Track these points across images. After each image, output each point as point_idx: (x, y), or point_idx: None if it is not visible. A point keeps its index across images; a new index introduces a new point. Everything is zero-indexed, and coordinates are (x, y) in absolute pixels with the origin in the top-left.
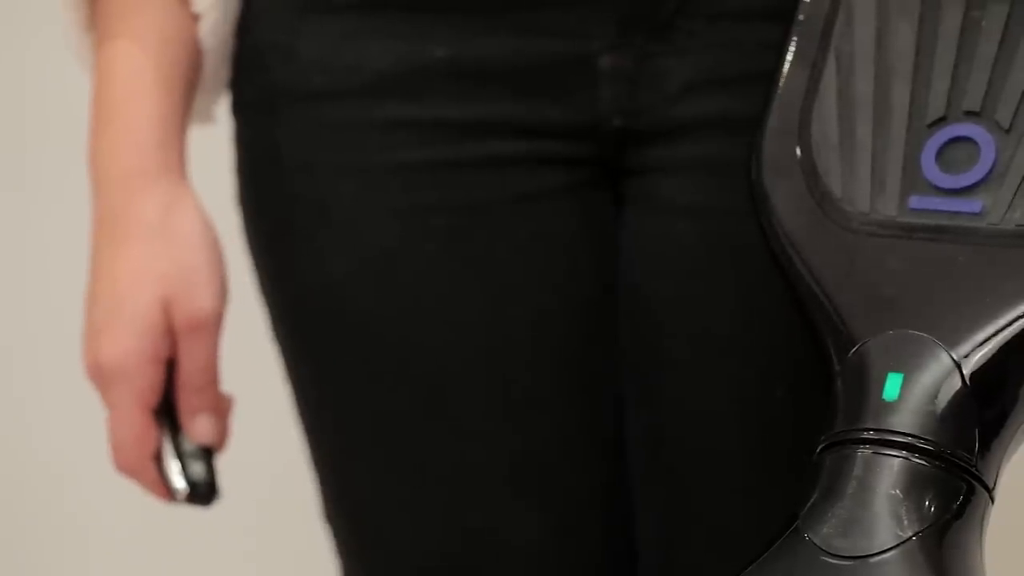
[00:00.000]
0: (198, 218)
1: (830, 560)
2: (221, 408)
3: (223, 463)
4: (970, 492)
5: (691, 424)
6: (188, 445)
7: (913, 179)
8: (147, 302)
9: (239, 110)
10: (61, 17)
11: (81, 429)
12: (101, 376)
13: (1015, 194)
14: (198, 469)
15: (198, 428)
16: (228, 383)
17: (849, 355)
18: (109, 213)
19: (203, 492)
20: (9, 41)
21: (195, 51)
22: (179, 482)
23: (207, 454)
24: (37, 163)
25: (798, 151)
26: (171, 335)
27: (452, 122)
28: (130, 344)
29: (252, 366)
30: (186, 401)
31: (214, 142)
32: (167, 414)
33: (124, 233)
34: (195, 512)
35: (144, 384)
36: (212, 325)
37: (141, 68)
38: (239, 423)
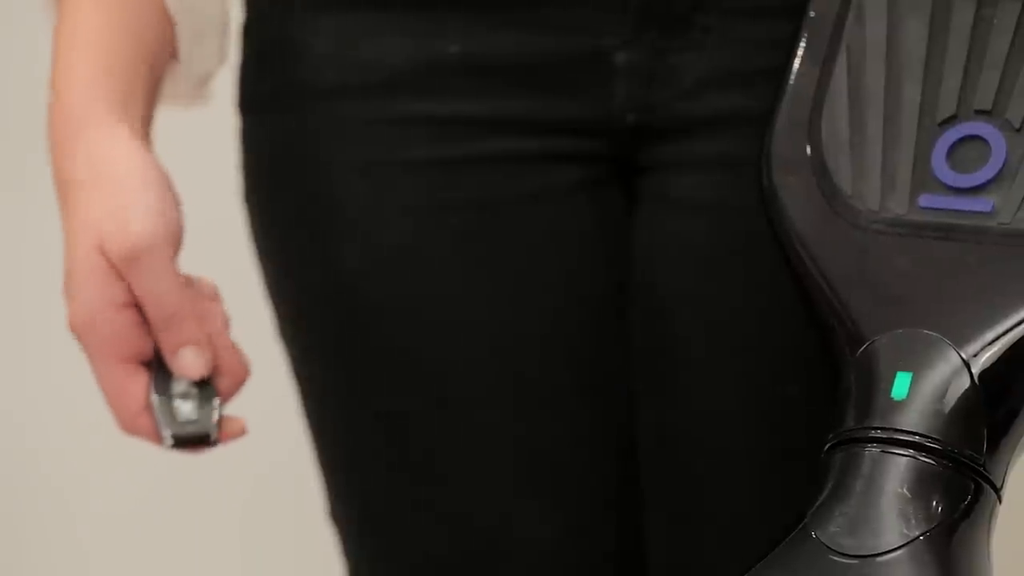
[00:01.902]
0: (129, 159)
1: (837, 559)
2: (221, 345)
3: (228, 462)
4: (978, 492)
5: (702, 422)
6: (179, 387)
7: (923, 177)
8: (85, 252)
9: (248, 108)
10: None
11: (81, 429)
12: (80, 342)
13: None
14: (186, 409)
15: (180, 363)
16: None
17: (858, 353)
18: (58, 183)
19: (191, 433)
20: (10, 41)
21: (159, 14)
22: (163, 428)
23: (207, 396)
24: (36, 163)
25: (808, 148)
26: (118, 275)
27: (465, 118)
28: (82, 299)
29: (258, 364)
30: (162, 339)
31: (215, 142)
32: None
33: (64, 196)
34: (196, 511)
35: (108, 333)
36: (152, 251)
37: (85, 23)
38: (247, 418)
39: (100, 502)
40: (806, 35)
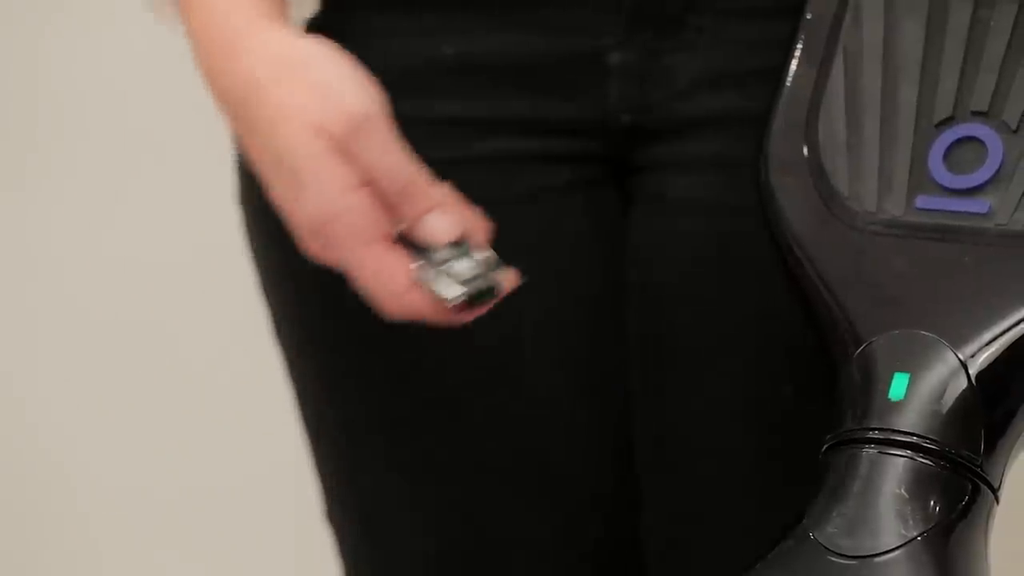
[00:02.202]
0: (309, 42)
1: (835, 559)
2: (453, 204)
3: (225, 463)
4: (975, 492)
5: (699, 422)
6: (439, 254)
7: (920, 179)
8: (302, 142)
9: None
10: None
11: (81, 429)
12: (320, 243)
13: (1022, 194)
14: (462, 268)
15: (431, 229)
16: (229, 385)
17: (855, 354)
18: (231, 97)
19: (479, 288)
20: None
21: None
22: (445, 293)
23: (469, 252)
24: (36, 162)
25: (805, 150)
26: (345, 155)
27: (461, 119)
28: (316, 191)
29: (253, 366)
30: (404, 211)
31: (214, 142)
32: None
33: (245, 100)
34: (195, 512)
35: (354, 217)
36: (375, 120)
37: None
38: (241, 424)
39: (100, 502)
40: (803, 36)
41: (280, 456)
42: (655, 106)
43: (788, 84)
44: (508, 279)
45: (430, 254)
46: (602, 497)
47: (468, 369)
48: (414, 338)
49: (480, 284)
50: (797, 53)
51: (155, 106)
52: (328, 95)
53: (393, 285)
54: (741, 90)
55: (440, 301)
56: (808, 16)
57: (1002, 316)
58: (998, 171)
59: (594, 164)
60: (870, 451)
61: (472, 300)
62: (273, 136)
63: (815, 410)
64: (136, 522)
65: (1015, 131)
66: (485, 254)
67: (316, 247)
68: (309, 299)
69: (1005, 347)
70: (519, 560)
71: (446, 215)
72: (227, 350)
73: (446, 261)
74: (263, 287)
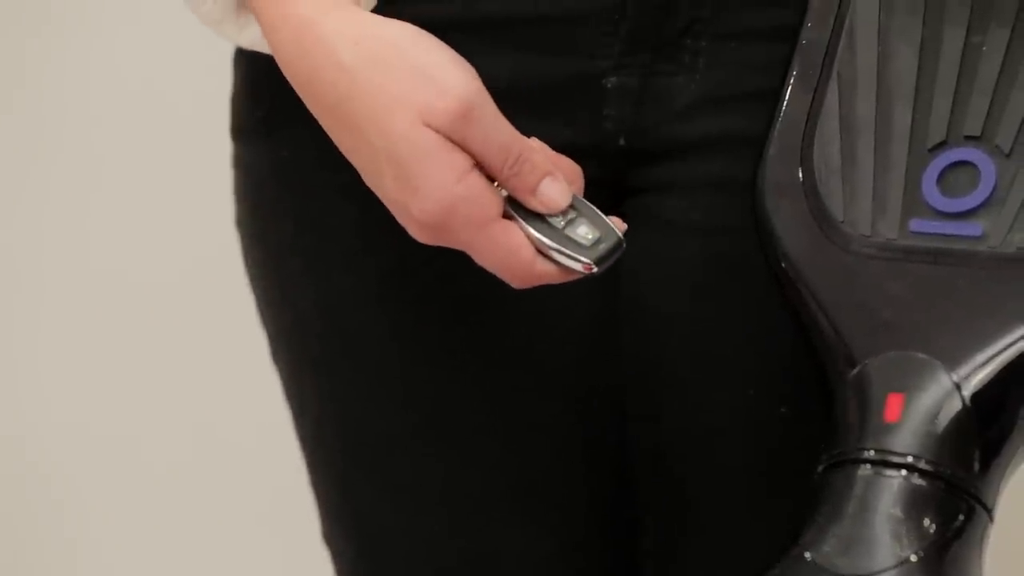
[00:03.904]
0: (393, 25)
1: None
2: (563, 170)
3: (226, 480)
4: (970, 512)
5: (693, 442)
6: (556, 220)
7: (914, 202)
8: (408, 135)
9: (240, 133)
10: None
11: (81, 430)
12: (441, 235)
13: (1015, 218)
14: (583, 231)
15: (546, 198)
16: (229, 403)
17: (850, 375)
18: (318, 96)
19: (608, 248)
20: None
21: None
22: (577, 259)
23: (582, 211)
24: (35, 161)
25: (800, 174)
26: (453, 142)
27: None
28: (431, 185)
29: (252, 385)
30: (516, 184)
31: (216, 164)
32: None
33: (336, 95)
34: (192, 524)
35: (472, 204)
36: (481, 102)
37: None
38: (240, 440)
39: (99, 505)
40: (798, 61)
41: (279, 475)
42: (652, 129)
43: (783, 109)
44: (619, 224)
45: (547, 220)
46: (598, 520)
47: (464, 391)
48: (410, 360)
49: (610, 241)
50: (792, 78)
51: (154, 106)
52: (432, 82)
53: (519, 262)
54: (738, 113)
55: (572, 268)
56: (803, 41)
57: (996, 337)
58: (991, 195)
59: (591, 186)
60: (865, 471)
61: (604, 260)
62: (374, 129)
63: (809, 430)
64: (130, 538)
65: (1008, 155)
66: (594, 209)
67: (430, 237)
68: (305, 322)
69: (999, 368)
70: None
71: (557, 182)
72: (224, 369)
73: (566, 225)
74: (260, 309)
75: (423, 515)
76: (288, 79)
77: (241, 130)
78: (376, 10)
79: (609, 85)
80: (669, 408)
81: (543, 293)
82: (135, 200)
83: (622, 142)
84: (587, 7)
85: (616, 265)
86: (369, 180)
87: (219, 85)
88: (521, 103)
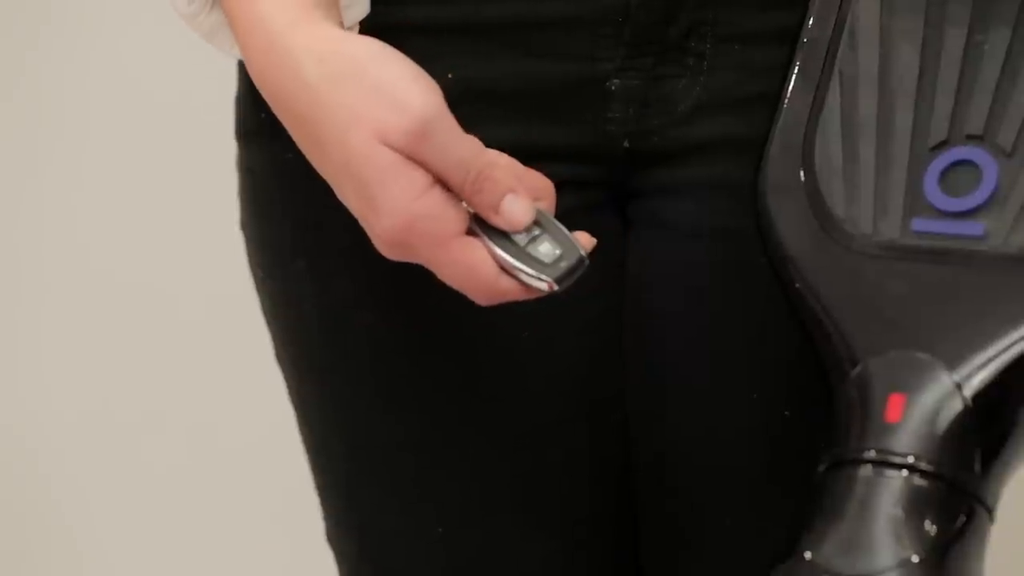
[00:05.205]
0: (359, 41)
1: None
2: (532, 186)
3: (230, 483)
4: (971, 513)
5: (697, 444)
6: (518, 237)
7: (916, 202)
8: (366, 152)
9: (244, 135)
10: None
11: (84, 429)
12: (403, 251)
13: (1016, 217)
14: (545, 249)
15: (508, 216)
16: (233, 404)
17: (851, 375)
18: (286, 111)
19: (569, 266)
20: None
21: None
22: (538, 276)
23: (545, 226)
24: (35, 161)
25: (802, 173)
26: (413, 160)
27: None
28: (390, 204)
29: (257, 385)
30: (477, 201)
31: (221, 166)
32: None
33: (300, 111)
34: (194, 526)
35: (431, 223)
36: (441, 119)
37: None
38: (244, 440)
39: (99, 506)
40: (799, 61)
41: (283, 475)
42: (656, 131)
43: (784, 108)
44: (584, 241)
45: (511, 237)
46: (602, 522)
47: (467, 395)
48: (414, 365)
49: (571, 259)
50: (793, 77)
51: (159, 108)
52: (392, 99)
53: (480, 279)
54: (742, 115)
55: (534, 286)
56: (804, 40)
57: (997, 337)
58: (993, 194)
59: (594, 189)
60: (866, 472)
61: (564, 279)
62: (334, 145)
63: (811, 431)
64: (132, 543)
65: (1010, 154)
66: (558, 225)
67: (394, 254)
68: (308, 325)
69: (1000, 368)
70: None
71: (519, 199)
72: (232, 360)
73: (528, 242)
74: (264, 312)
75: (426, 518)
76: (260, 91)
77: (245, 132)
78: (377, 13)
79: (612, 88)
80: (672, 411)
81: (546, 296)
82: (140, 202)
83: (626, 145)
84: (590, 10)
85: (620, 267)
86: (338, 194)
87: (224, 87)
88: (525, 106)
